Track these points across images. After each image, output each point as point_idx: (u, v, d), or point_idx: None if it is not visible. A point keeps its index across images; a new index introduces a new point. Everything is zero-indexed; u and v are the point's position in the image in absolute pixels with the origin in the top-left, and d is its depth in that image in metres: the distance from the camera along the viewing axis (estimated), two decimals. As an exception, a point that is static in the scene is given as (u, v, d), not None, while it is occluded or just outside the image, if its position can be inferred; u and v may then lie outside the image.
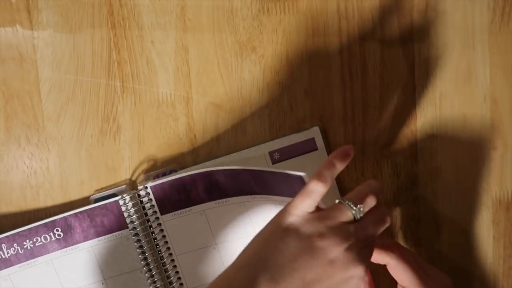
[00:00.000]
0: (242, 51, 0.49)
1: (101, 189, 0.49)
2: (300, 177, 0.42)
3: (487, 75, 0.50)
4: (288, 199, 0.43)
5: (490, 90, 0.50)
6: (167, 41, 0.49)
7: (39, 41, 0.48)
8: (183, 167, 0.49)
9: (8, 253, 0.46)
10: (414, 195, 0.51)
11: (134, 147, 0.49)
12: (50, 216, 0.47)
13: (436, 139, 0.51)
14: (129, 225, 0.47)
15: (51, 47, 0.48)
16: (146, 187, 0.47)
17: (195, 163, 0.49)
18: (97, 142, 0.49)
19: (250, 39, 0.49)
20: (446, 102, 0.50)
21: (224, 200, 0.47)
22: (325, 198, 0.41)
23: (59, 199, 0.49)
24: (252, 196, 0.47)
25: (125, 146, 0.49)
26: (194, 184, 0.47)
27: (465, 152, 0.51)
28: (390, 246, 0.43)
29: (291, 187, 0.44)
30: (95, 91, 0.48)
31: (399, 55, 0.50)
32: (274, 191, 0.46)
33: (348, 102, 0.50)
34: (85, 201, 0.49)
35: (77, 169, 0.49)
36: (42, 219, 0.47)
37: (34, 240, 0.46)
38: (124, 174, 0.49)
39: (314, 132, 0.49)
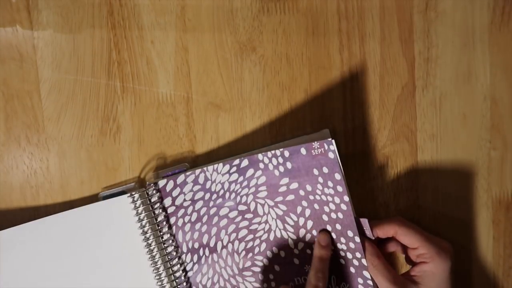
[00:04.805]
0: (242, 51, 0.49)
1: (110, 186, 0.49)
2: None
3: (487, 75, 0.50)
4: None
5: (490, 90, 0.50)
6: (167, 41, 0.49)
7: (39, 41, 0.48)
8: (193, 166, 0.49)
9: None
10: (414, 195, 0.51)
11: (134, 147, 0.49)
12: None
13: (436, 139, 0.51)
14: (137, 223, 0.47)
15: (51, 47, 0.48)
16: (156, 184, 0.47)
17: (195, 163, 0.49)
18: (97, 142, 0.49)
19: (250, 39, 0.49)
20: (446, 102, 0.50)
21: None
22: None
23: (59, 199, 0.49)
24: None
25: (125, 146, 0.49)
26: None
27: (465, 152, 0.51)
28: (394, 220, 0.46)
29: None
30: (95, 91, 0.48)
31: (399, 55, 0.50)
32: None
33: (348, 102, 0.50)
34: (85, 201, 0.49)
35: (77, 169, 0.49)
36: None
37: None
38: (124, 174, 0.49)
39: (324, 134, 0.49)
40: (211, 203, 0.48)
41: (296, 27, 0.49)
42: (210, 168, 0.47)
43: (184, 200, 0.47)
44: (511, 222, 0.51)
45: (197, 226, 0.48)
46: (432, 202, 0.51)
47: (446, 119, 0.50)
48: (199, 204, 0.48)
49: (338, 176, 0.45)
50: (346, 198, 0.45)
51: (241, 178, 0.47)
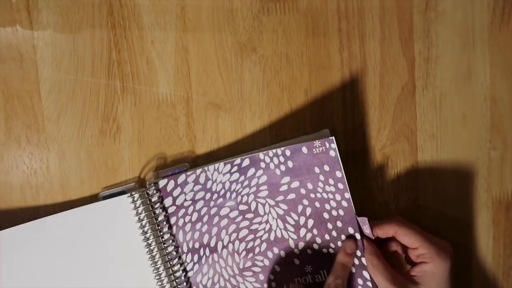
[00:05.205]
0: (242, 51, 0.49)
1: (110, 186, 0.49)
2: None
3: (487, 75, 0.50)
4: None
5: (490, 90, 0.50)
6: (167, 41, 0.49)
7: (39, 41, 0.48)
8: (193, 166, 0.49)
9: None
10: (414, 195, 0.51)
11: (134, 147, 0.49)
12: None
13: (436, 139, 0.51)
14: (137, 223, 0.47)
15: (51, 47, 0.48)
16: (157, 184, 0.47)
17: (195, 163, 0.49)
18: (97, 142, 0.49)
19: (250, 39, 0.49)
20: (446, 102, 0.50)
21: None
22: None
23: (59, 199, 0.49)
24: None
25: (125, 146, 0.49)
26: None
27: (465, 152, 0.51)
28: (394, 220, 0.47)
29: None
30: (95, 91, 0.48)
31: (399, 55, 0.50)
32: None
33: (348, 102, 0.50)
34: (85, 201, 0.49)
35: (77, 169, 0.49)
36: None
37: None
38: (124, 174, 0.49)
39: (325, 134, 0.49)
40: (212, 203, 0.48)
41: (296, 27, 0.49)
42: (211, 167, 0.47)
43: (185, 200, 0.47)
44: (511, 222, 0.51)
45: (198, 226, 0.48)
46: (432, 202, 0.51)
47: (446, 119, 0.50)
48: (199, 204, 0.48)
49: (339, 174, 0.45)
50: (347, 195, 0.45)
51: (242, 178, 0.47)
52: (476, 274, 0.52)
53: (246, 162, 0.47)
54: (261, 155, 0.46)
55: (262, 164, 0.47)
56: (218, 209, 0.48)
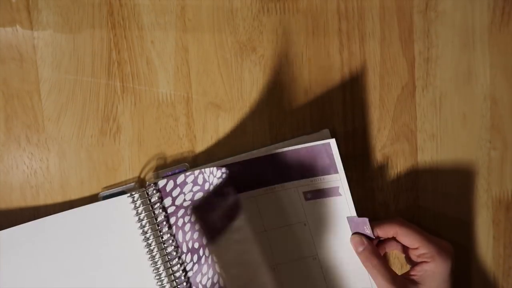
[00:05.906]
0: (242, 51, 0.49)
1: (110, 186, 0.49)
2: (327, 144, 0.45)
3: (487, 75, 0.50)
4: (305, 182, 0.46)
5: (490, 90, 0.50)
6: (167, 41, 0.49)
7: (39, 41, 0.48)
8: (193, 166, 0.49)
9: None
10: (414, 195, 0.51)
11: (134, 147, 0.49)
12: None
13: (436, 139, 0.51)
14: (137, 223, 0.47)
15: (51, 47, 0.48)
16: (156, 184, 0.47)
17: (195, 163, 0.49)
18: (97, 142, 0.49)
19: (250, 39, 0.49)
20: (446, 102, 0.50)
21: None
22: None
23: (59, 199, 0.49)
24: (264, 188, 0.47)
25: (125, 146, 0.49)
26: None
27: (465, 152, 0.51)
28: (394, 220, 0.47)
29: (315, 164, 0.46)
30: (95, 91, 0.48)
31: (399, 55, 0.50)
32: (292, 175, 0.47)
33: (348, 102, 0.50)
34: (85, 201, 0.49)
35: (77, 169, 0.49)
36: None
37: None
38: (124, 174, 0.49)
39: (324, 134, 0.49)
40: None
41: (296, 27, 0.49)
42: (208, 170, 0.47)
43: (184, 200, 0.47)
44: (511, 222, 0.51)
45: (197, 226, 0.48)
46: (432, 202, 0.51)
47: (446, 119, 0.50)
48: None
49: None
50: None
51: None
52: (476, 274, 0.52)
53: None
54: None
55: None
56: None
